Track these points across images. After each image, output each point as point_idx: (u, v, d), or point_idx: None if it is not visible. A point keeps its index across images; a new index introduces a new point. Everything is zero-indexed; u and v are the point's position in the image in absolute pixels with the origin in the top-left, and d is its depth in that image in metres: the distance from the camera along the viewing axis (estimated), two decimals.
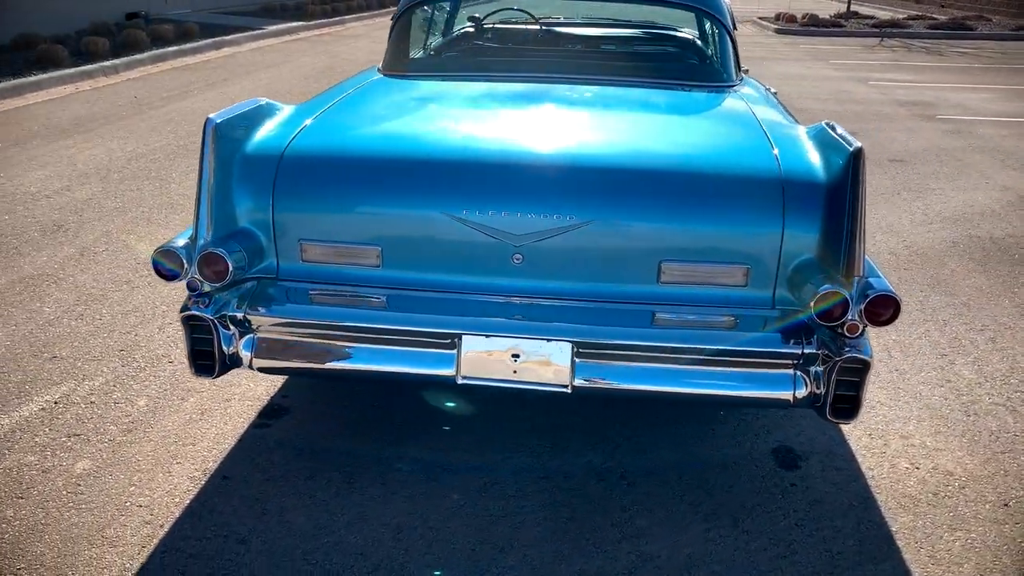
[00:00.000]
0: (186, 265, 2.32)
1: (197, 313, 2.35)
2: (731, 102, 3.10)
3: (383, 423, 2.96)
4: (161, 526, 2.42)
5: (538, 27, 3.90)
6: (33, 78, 9.09)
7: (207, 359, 2.41)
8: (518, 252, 2.37)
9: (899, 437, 2.98)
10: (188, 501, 2.53)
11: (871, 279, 2.24)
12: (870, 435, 2.99)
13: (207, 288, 2.36)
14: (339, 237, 2.44)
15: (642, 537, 2.43)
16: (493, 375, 2.41)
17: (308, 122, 2.69)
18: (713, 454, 2.84)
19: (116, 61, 10.49)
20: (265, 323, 2.43)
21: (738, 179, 2.38)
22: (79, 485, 2.59)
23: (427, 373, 2.43)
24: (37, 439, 2.82)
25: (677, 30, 3.97)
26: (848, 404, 2.29)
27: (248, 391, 3.13)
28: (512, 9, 4.01)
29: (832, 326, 2.24)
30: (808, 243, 2.31)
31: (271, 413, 3.01)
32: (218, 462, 2.72)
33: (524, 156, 2.46)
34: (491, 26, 3.91)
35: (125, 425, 2.91)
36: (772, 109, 3.08)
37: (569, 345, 2.35)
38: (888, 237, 5.01)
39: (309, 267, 2.48)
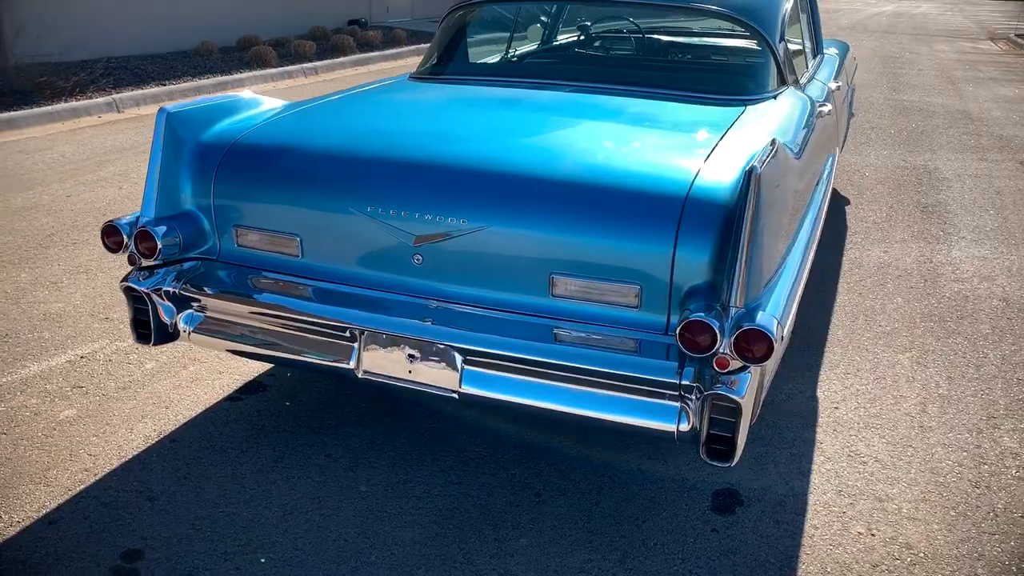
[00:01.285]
0: (126, 240, 2.55)
1: (132, 285, 2.57)
2: (726, 116, 2.88)
3: (345, 408, 3.05)
4: (95, 475, 2.67)
5: (577, 34, 3.83)
6: (239, 75, 10.11)
7: (145, 328, 2.63)
8: (418, 253, 2.38)
9: (874, 499, 2.65)
10: (130, 456, 2.77)
11: (760, 311, 2.03)
12: (840, 491, 2.68)
13: (146, 263, 2.57)
14: (265, 225, 2.56)
15: (516, 556, 2.35)
16: (390, 373, 2.44)
17: (274, 116, 2.84)
18: (649, 485, 2.67)
19: (317, 63, 11.41)
20: (201, 300, 2.61)
21: (638, 195, 2.24)
22: (55, 429, 2.91)
23: (331, 365, 2.50)
24: (48, 386, 3.19)
25: (728, 40, 3.74)
26: (723, 446, 2.10)
27: (242, 365, 3.34)
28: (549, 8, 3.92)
29: (702, 358, 2.07)
30: (700, 267, 2.14)
31: (250, 389, 3.20)
32: (177, 426, 2.95)
33: (429, 158, 2.46)
34: (528, 31, 3.90)
35: (123, 383, 3.22)
36: (771, 127, 2.83)
37: (458, 351, 2.33)
38: None
39: (243, 252, 2.63)
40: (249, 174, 2.59)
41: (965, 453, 2.91)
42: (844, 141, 5.52)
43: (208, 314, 2.63)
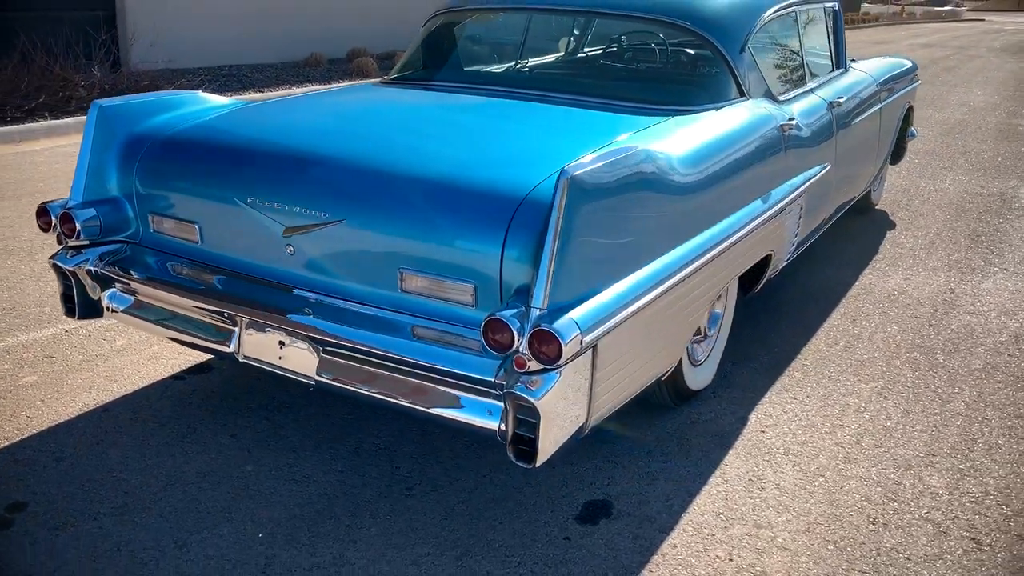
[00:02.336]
0: (54, 221, 2.79)
1: (56, 262, 2.81)
2: (633, 125, 2.83)
3: (274, 395, 3.19)
4: (23, 435, 2.91)
5: (532, 42, 3.84)
6: (336, 85, 10.59)
7: (71, 302, 2.87)
8: (289, 244, 2.50)
9: (753, 525, 2.54)
10: (59, 422, 3.00)
11: (563, 315, 2.02)
12: (720, 514, 2.58)
13: (71, 243, 2.81)
14: (173, 213, 2.75)
15: (358, 543, 2.41)
16: (264, 358, 2.57)
17: (210, 114, 3.03)
18: (526, 488, 2.67)
19: None
20: (118, 281, 2.82)
21: (477, 196, 2.27)
22: (10, 392, 3.19)
23: (218, 348, 2.65)
24: (25, 354, 3.50)
25: (681, 49, 3.66)
26: (527, 447, 2.09)
27: None
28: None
29: (504, 357, 2.07)
30: (526, 269, 2.14)
31: (197, 370, 3.40)
32: (115, 398, 3.17)
33: (305, 154, 2.56)
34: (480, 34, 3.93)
35: (89, 357, 3.49)
36: (681, 140, 2.76)
37: (316, 340, 2.43)
38: None
39: (158, 237, 2.82)
40: (165, 166, 2.78)
41: (880, 489, 2.73)
42: (884, 161, 5.24)
43: (126, 293, 2.83)
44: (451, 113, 3.06)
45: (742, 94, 3.29)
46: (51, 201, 2.82)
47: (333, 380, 2.43)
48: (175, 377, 3.34)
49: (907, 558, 2.41)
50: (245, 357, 2.60)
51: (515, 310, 2.04)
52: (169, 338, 2.87)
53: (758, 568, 2.36)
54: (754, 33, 3.43)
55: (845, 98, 4.13)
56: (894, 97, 5.11)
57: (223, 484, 2.67)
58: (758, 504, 2.64)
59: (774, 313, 4.08)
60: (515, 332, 2.00)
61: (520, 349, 2.01)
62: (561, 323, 1.99)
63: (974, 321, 4.07)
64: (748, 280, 3.40)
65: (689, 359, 3.07)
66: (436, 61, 3.73)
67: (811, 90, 3.93)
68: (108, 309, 2.85)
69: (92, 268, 2.80)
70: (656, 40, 3.54)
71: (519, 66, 3.71)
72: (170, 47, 9.65)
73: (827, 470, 2.83)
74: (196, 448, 2.86)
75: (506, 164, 2.40)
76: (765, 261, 3.36)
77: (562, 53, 3.74)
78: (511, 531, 2.48)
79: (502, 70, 3.65)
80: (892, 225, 5.59)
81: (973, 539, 2.50)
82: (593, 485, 2.71)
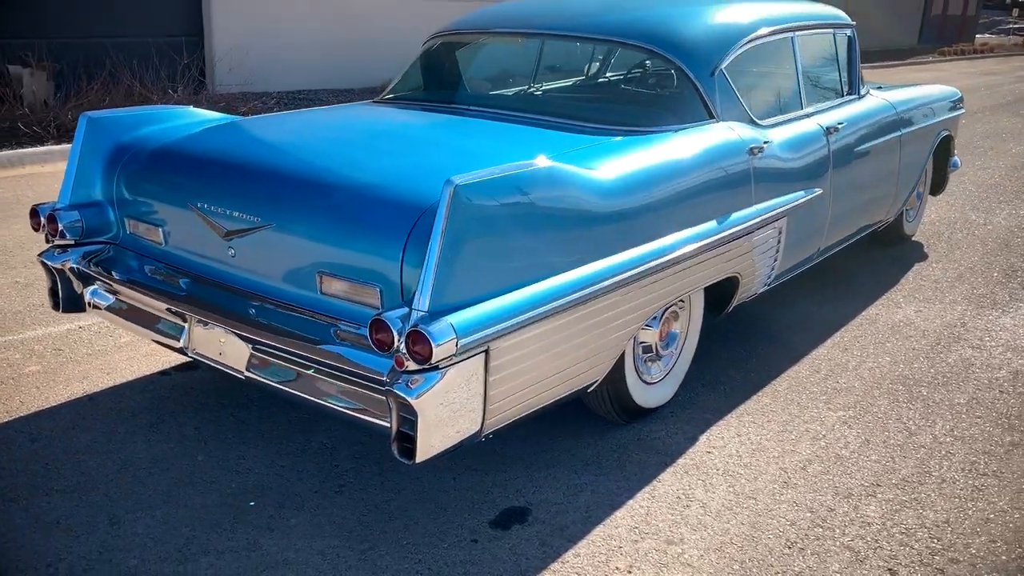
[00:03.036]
0: (43, 221, 3.06)
1: (43, 259, 3.07)
2: (571, 144, 2.91)
3: (248, 392, 3.37)
4: (10, 417, 3.17)
5: (509, 64, 3.94)
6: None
7: (56, 296, 3.12)
8: (230, 246, 2.67)
9: (664, 540, 2.55)
10: (44, 407, 3.25)
11: (442, 318, 2.11)
12: (635, 527, 2.60)
13: (57, 242, 3.06)
14: (144, 217, 2.97)
15: (274, 532, 2.53)
16: (209, 354, 2.75)
17: (197, 127, 3.25)
18: (452, 491, 2.74)
19: None
20: (98, 278, 3.06)
21: (385, 204, 2.40)
22: (13, 379, 3.47)
23: (172, 344, 2.85)
24: (36, 347, 3.79)
25: (651, 72, 3.70)
26: (408, 444, 2.18)
27: None
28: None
29: (386, 356, 2.18)
30: (418, 272, 2.24)
31: (187, 367, 3.61)
32: (102, 389, 3.41)
33: (250, 163, 2.74)
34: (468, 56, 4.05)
35: (93, 351, 3.75)
36: (619, 161, 2.81)
37: (246, 339, 2.60)
38: None
39: (134, 239, 3.05)
40: (140, 173, 3.01)
41: (809, 515, 2.69)
42: (909, 191, 5.10)
43: (103, 290, 3.07)
44: (405, 129, 3.21)
45: (711, 116, 3.32)
46: (42, 203, 3.08)
47: (258, 376, 2.58)
48: (162, 373, 3.56)
49: None
50: (193, 352, 2.78)
51: (401, 311, 2.14)
52: (136, 333, 3.08)
53: None
54: (730, 56, 3.44)
55: (845, 124, 4.07)
56: (921, 125, 4.97)
57: (171, 471, 2.85)
58: (677, 521, 2.64)
59: (763, 339, 4.03)
60: (395, 332, 2.11)
61: (399, 348, 2.11)
62: (436, 325, 2.08)
63: (975, 356, 3.93)
64: (719, 302, 3.41)
65: (638, 376, 3.09)
66: (420, 82, 3.89)
67: (807, 115, 3.90)
68: (89, 304, 3.09)
69: (75, 266, 3.04)
70: (625, 62, 3.60)
71: (493, 87, 3.83)
72: (247, 71, 10.18)
73: (761, 493, 2.80)
74: (159, 437, 3.05)
75: (421, 176, 2.50)
76: (732, 284, 3.35)
77: (540, 75, 3.85)
78: (423, 531, 2.56)
79: (478, 91, 3.78)
80: (924, 257, 5.42)
81: (889, 569, 2.44)
82: (519, 492, 2.76)
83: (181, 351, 2.82)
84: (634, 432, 3.14)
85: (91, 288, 3.08)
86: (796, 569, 2.44)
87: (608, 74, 3.77)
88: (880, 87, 5.05)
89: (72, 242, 3.04)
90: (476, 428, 2.31)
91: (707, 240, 3.00)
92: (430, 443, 2.18)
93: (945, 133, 5.45)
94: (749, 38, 3.58)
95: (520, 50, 3.84)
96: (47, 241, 3.08)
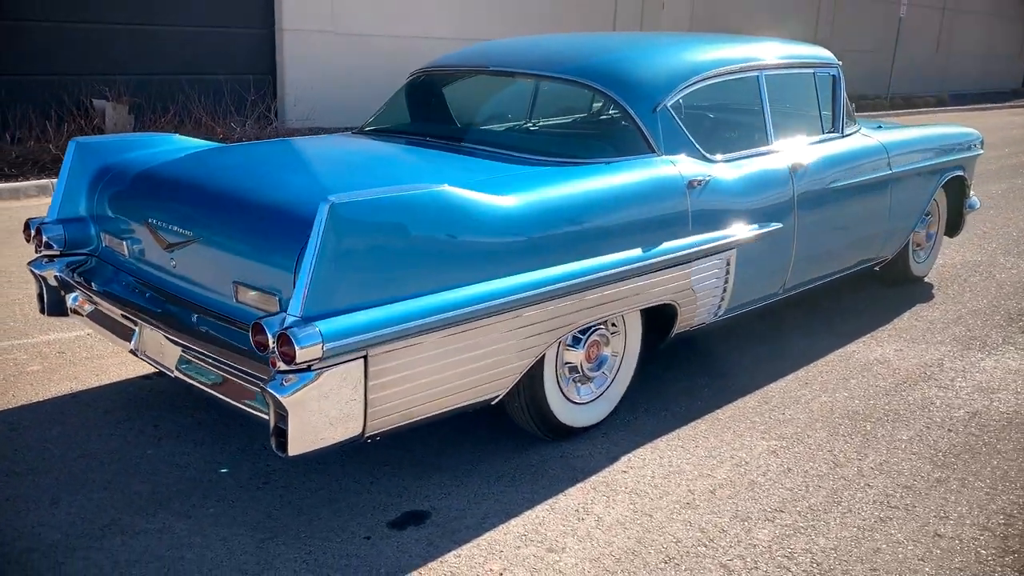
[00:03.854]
0: (33, 233, 3.43)
1: (31, 268, 3.44)
2: (492, 170, 3.12)
3: None
4: (1, 408, 3.54)
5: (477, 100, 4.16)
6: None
7: (42, 301, 3.48)
8: (172, 257, 2.96)
9: (546, 548, 2.67)
10: (33, 401, 3.60)
11: (312, 324, 2.32)
12: (523, 535, 2.73)
13: (45, 252, 3.42)
14: (113, 231, 3.30)
15: (191, 519, 2.77)
16: (154, 356, 3.04)
17: (177, 153, 3.59)
18: (365, 492, 2.93)
19: None
20: (75, 286, 3.40)
21: (286, 219, 2.64)
22: (12, 377, 3.85)
23: (128, 347, 3.15)
24: (44, 349, 4.18)
25: (598, 108, 3.86)
26: (282, 438, 2.39)
27: None
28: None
29: (264, 357, 2.40)
30: None
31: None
32: (87, 388, 3.75)
33: (193, 183, 3.04)
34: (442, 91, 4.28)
35: (92, 355, 4.11)
36: (534, 189, 2.99)
37: (176, 343, 2.88)
38: None
39: (107, 251, 3.38)
40: (116, 192, 3.35)
41: (699, 534, 2.77)
42: (904, 232, 5.04)
43: (82, 298, 3.41)
44: (351, 156, 3.47)
45: (652, 150, 3.45)
46: (34, 218, 3.46)
47: (184, 376, 2.85)
48: (145, 377, 3.88)
49: None
50: (142, 354, 3.08)
51: (280, 317, 2.37)
52: (104, 336, 3.40)
53: None
54: (676, 94, 3.58)
55: (818, 161, 4.12)
56: (919, 165, 4.95)
57: (121, 461, 3.13)
58: (566, 532, 2.76)
59: (726, 369, 4.09)
60: (270, 335, 2.33)
61: (274, 350, 2.33)
62: (304, 330, 2.29)
63: (938, 395, 3.89)
64: (661, 330, 3.52)
65: (564, 396, 3.22)
66: (395, 114, 4.16)
67: (772, 152, 3.98)
68: (71, 310, 3.44)
69: (57, 274, 3.40)
70: (578, 100, 3.79)
71: (459, 120, 4.07)
72: (311, 106, 10.77)
73: (660, 512, 2.89)
74: (120, 432, 3.35)
75: (321, 196, 2.74)
76: (670, 313, 3.46)
77: (504, 110, 4.07)
78: (323, 526, 2.76)
79: (444, 123, 4.02)
80: (928, 298, 5.35)
81: None
82: (426, 497, 2.93)
83: (133, 352, 3.11)
84: (559, 449, 3.27)
85: (72, 295, 3.43)
86: None
87: (562, 110, 3.96)
88: (880, 126, 5.06)
89: (58, 252, 3.40)
90: (358, 430, 2.50)
91: (626, 268, 3.12)
92: (303, 439, 2.38)
93: (956, 173, 5.38)
94: (701, 77, 3.71)
95: (490, 86, 4.07)
96: (36, 251, 3.45)
